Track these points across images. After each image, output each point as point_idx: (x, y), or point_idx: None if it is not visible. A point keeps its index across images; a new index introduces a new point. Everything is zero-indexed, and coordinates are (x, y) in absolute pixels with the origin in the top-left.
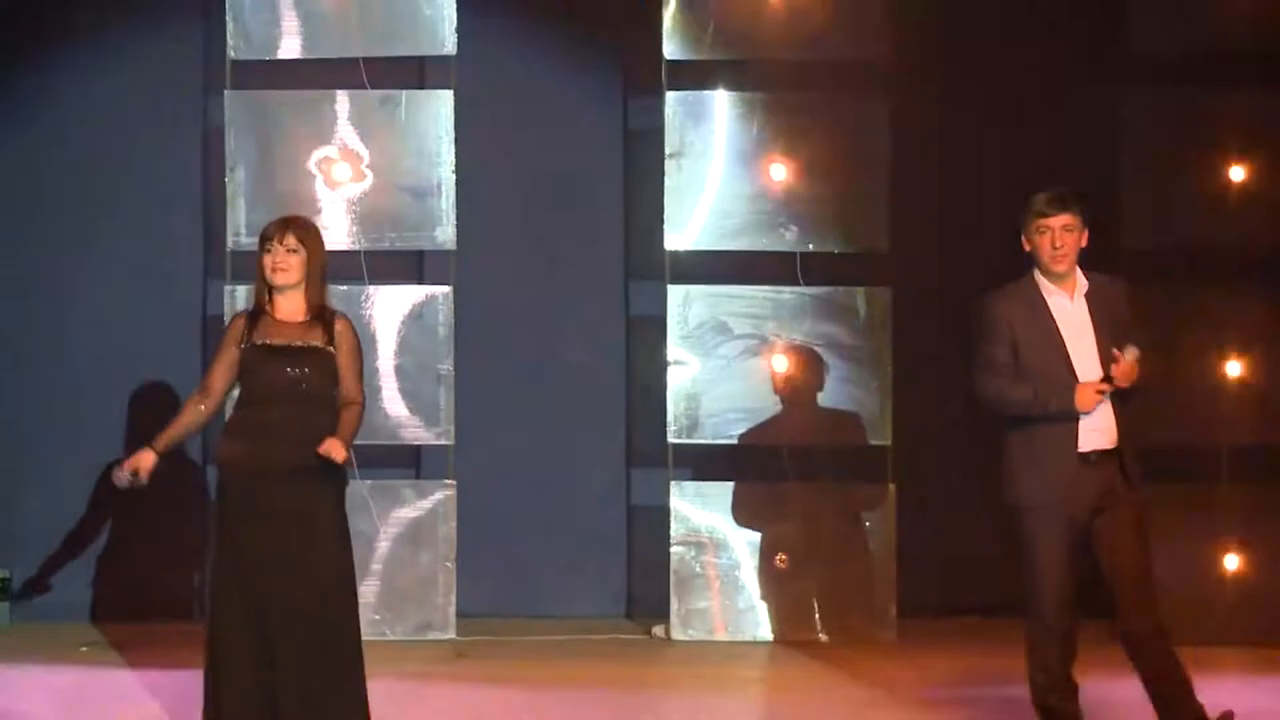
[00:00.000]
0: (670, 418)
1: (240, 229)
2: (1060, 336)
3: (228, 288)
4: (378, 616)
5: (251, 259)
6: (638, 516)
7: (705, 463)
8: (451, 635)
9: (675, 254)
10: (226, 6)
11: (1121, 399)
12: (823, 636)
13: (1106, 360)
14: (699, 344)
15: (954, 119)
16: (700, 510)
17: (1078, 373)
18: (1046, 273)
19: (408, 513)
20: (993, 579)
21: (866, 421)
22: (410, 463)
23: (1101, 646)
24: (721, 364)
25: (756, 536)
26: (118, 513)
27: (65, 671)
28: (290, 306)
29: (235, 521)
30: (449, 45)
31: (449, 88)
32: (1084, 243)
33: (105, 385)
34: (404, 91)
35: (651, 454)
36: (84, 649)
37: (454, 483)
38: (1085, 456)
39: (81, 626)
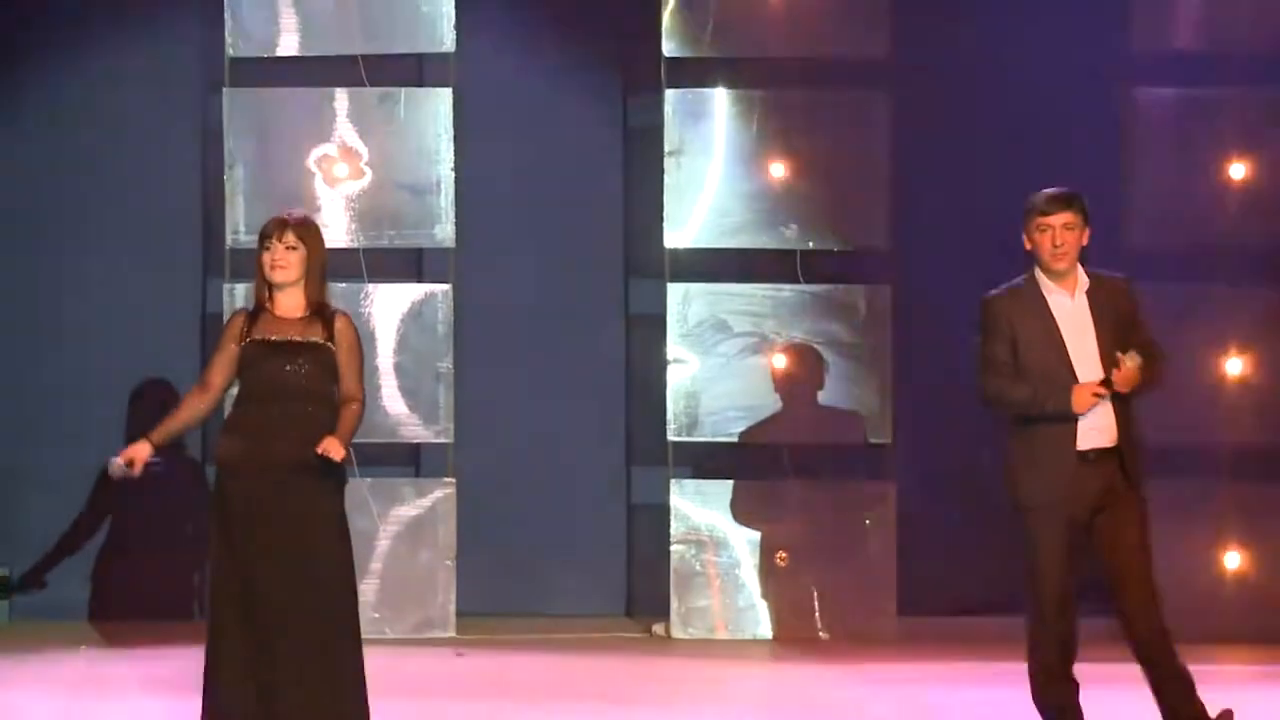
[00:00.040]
0: (670, 416)
1: (239, 226)
2: (1060, 335)
3: (227, 285)
4: (377, 615)
5: (251, 257)
6: (637, 515)
7: (705, 461)
8: (451, 633)
9: (675, 252)
10: (225, 4)
11: (1123, 398)
12: (823, 634)
13: (1108, 360)
14: (699, 342)
15: (954, 117)
16: (700, 508)
17: (1077, 371)
18: (1047, 271)
19: (407, 511)
20: (992, 578)
21: (866, 420)
22: (410, 461)
23: (1102, 645)
24: (721, 362)
25: (756, 535)
26: (117, 511)
27: (65, 670)
28: (290, 303)
29: (234, 519)
30: (448, 43)
31: (448, 85)
32: (1085, 241)
33: (105, 383)
34: (403, 89)
35: (651, 452)
36: (83, 647)
37: (453, 481)
38: (1084, 455)
39: (81, 625)
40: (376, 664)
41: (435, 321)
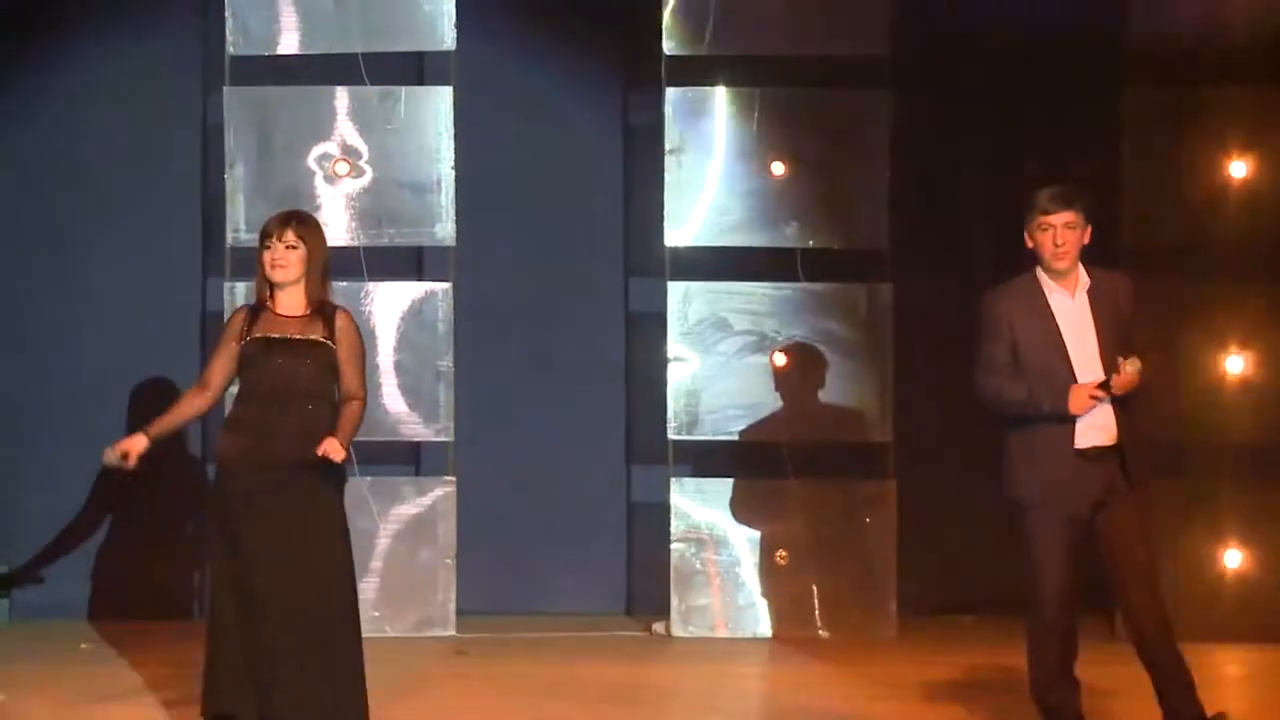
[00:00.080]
0: (670, 414)
1: (240, 225)
2: (1060, 335)
3: (227, 284)
4: (377, 613)
5: (251, 255)
6: (638, 513)
7: (705, 459)
8: (451, 632)
9: (675, 250)
10: (226, 2)
11: (1123, 398)
12: (823, 633)
13: (1108, 360)
14: (699, 340)
15: (954, 115)
16: (700, 507)
17: (1077, 371)
18: (1048, 270)
19: (407, 509)
20: (993, 576)
21: (867, 418)
22: (410, 459)
23: (1102, 643)
24: (721, 360)
25: (757, 533)
26: (118, 510)
27: (64, 668)
28: (291, 302)
29: (234, 517)
30: (448, 41)
31: (448, 84)
32: (1086, 240)
33: (105, 381)
34: (403, 87)
35: (651, 450)
36: (83, 646)
37: (454, 479)
38: (1084, 453)
39: (80, 624)
40: (376, 662)
41: (436, 320)
